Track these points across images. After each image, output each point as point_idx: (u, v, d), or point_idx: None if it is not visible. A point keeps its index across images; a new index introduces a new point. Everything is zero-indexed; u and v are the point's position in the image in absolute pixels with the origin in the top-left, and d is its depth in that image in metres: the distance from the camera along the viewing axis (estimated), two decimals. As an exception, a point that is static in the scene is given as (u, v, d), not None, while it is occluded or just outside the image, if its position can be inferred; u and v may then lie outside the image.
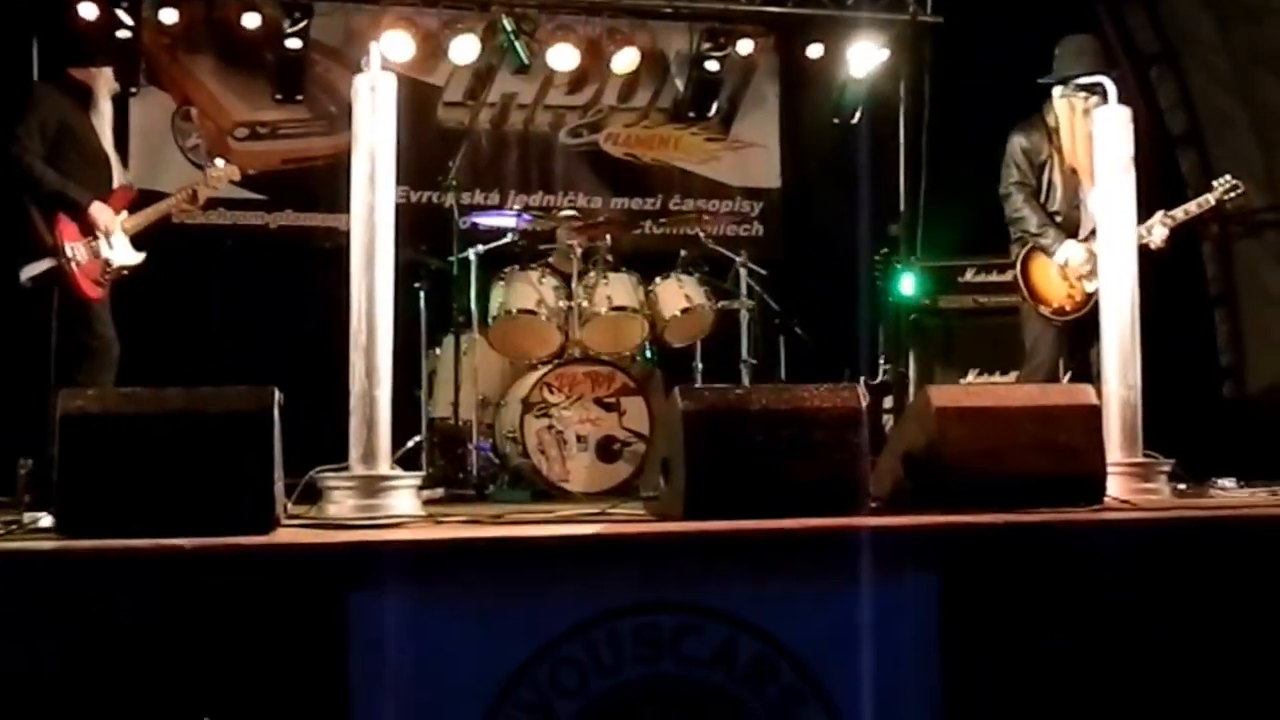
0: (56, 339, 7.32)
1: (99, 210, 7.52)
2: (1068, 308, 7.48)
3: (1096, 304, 6.71)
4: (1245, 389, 10.70)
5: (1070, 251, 7.45)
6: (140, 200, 7.96)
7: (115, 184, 7.80)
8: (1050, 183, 7.61)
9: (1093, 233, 7.22)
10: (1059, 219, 7.57)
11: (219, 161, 8.47)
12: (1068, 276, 7.47)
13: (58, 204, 7.43)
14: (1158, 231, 7.49)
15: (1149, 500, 5.59)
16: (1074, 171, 7.53)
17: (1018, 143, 7.66)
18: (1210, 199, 7.67)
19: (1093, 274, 7.18)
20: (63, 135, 7.53)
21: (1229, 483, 7.10)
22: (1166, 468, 5.90)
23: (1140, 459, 5.82)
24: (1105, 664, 4.54)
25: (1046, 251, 7.52)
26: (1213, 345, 10.79)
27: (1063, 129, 7.57)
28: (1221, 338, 10.83)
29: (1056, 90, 7.60)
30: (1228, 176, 7.75)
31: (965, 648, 4.42)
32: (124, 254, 7.64)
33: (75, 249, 7.40)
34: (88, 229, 7.48)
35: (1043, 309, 7.57)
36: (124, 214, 7.71)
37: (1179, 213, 7.58)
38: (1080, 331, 7.32)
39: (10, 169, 7.45)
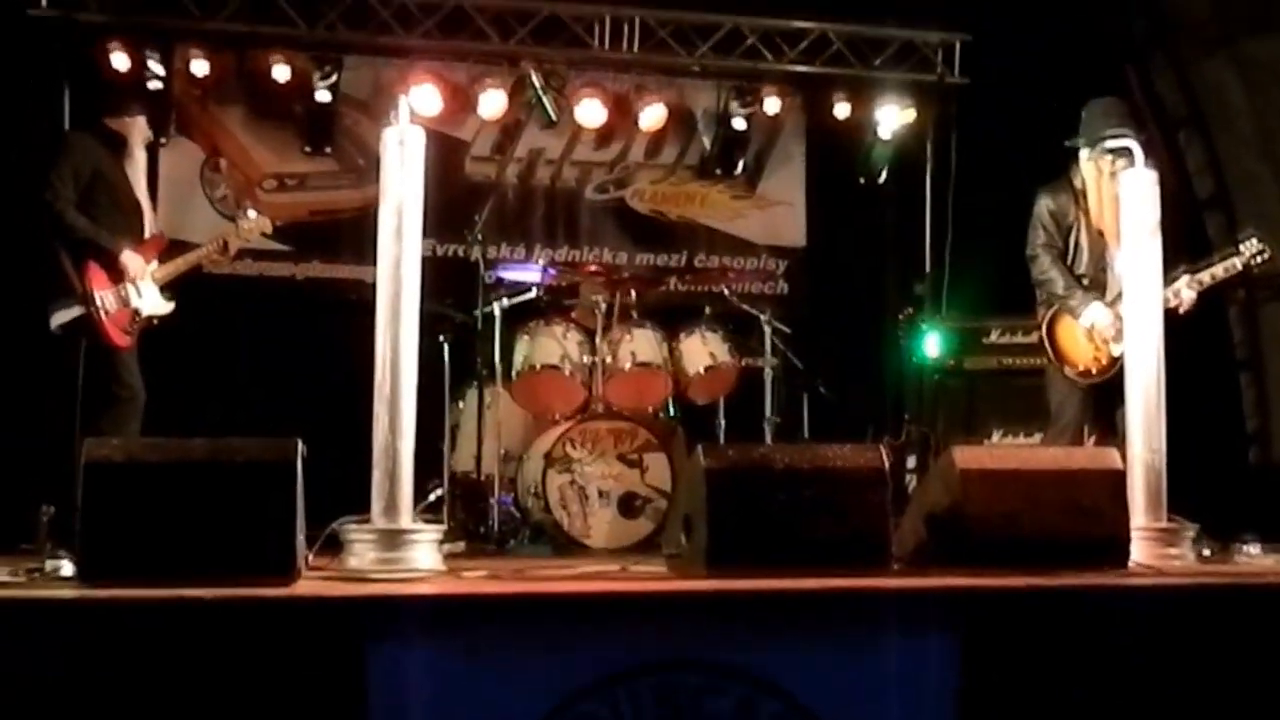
0: (83, 386, 7.33)
1: (129, 259, 7.55)
2: (1094, 370, 7.45)
3: (1122, 367, 6.71)
4: (1271, 454, 10.66)
5: (1096, 314, 7.42)
6: (170, 250, 7.99)
7: (147, 233, 7.84)
8: (1077, 245, 7.58)
9: (1119, 296, 7.21)
10: (1085, 281, 7.54)
11: (251, 213, 8.51)
12: (1094, 339, 7.44)
13: (89, 251, 7.46)
14: (1185, 295, 7.45)
15: (1173, 565, 5.56)
16: (1100, 234, 7.51)
17: (1045, 204, 7.64)
18: (1237, 263, 7.62)
19: (1119, 337, 7.16)
20: (96, 183, 7.57)
21: (1254, 548, 7.04)
22: (1191, 533, 5.86)
23: (1165, 523, 5.79)
24: (1127, 729, 4.51)
25: (1073, 313, 7.49)
26: (1238, 409, 10.75)
27: (1090, 191, 7.56)
28: (1247, 402, 10.80)
29: (1083, 152, 7.59)
30: (1254, 240, 7.71)
31: (985, 710, 4.39)
32: (153, 303, 7.67)
33: (105, 297, 7.42)
34: (118, 277, 7.51)
35: (1068, 371, 7.53)
36: (154, 263, 7.74)
37: (1205, 276, 7.54)
38: (1106, 394, 7.28)
39: (43, 215, 7.49)
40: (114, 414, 7.37)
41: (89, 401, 7.33)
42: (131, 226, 7.72)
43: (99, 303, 7.39)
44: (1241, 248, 7.67)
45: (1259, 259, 7.62)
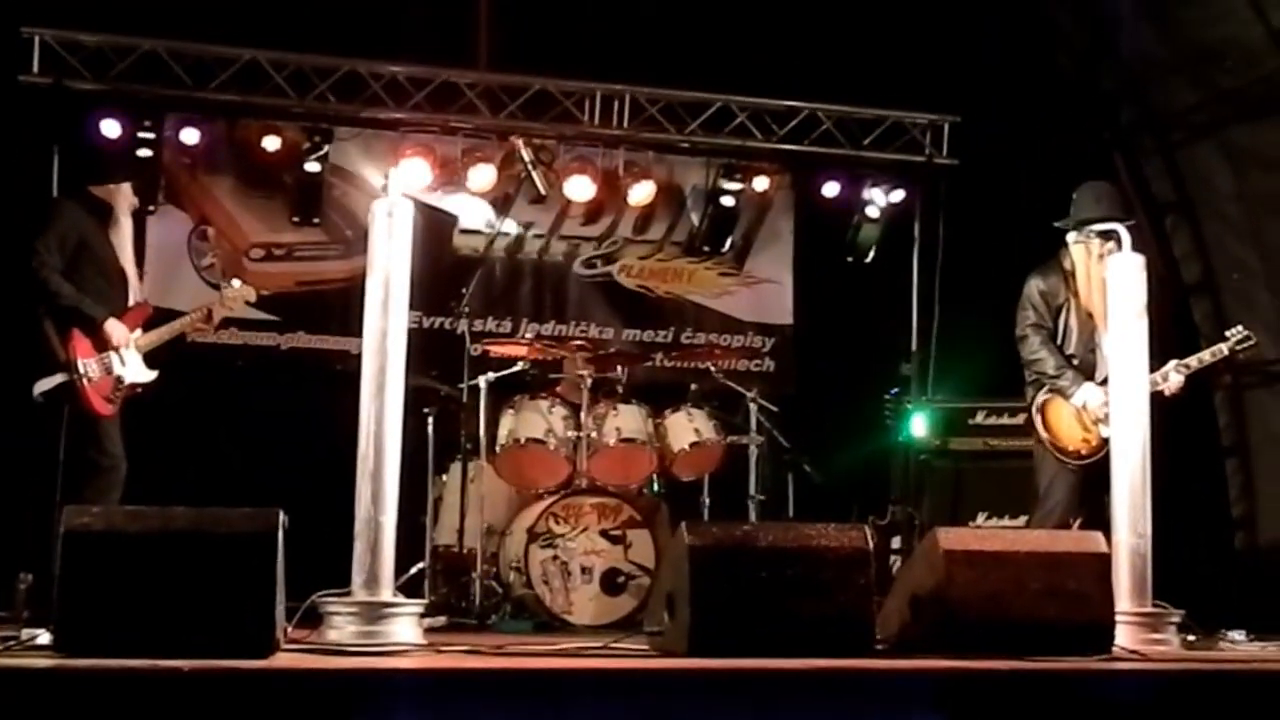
0: (65, 455, 7.30)
1: (113, 327, 7.52)
2: (1084, 452, 7.40)
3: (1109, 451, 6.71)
4: (1257, 540, 10.65)
5: (1088, 395, 7.39)
6: (155, 318, 7.97)
7: (132, 301, 7.82)
8: (1067, 326, 7.57)
9: (1108, 377, 7.22)
10: (1075, 362, 7.53)
11: (235, 282, 8.49)
12: (1083, 420, 7.41)
13: (72, 319, 7.43)
14: (1174, 379, 7.45)
15: (1158, 651, 5.55)
16: (1090, 316, 7.51)
17: (1035, 285, 7.63)
18: (1224, 349, 7.63)
19: (1109, 418, 7.16)
20: (81, 251, 7.56)
21: (1239, 635, 7.04)
22: (1176, 618, 5.86)
23: (1150, 609, 5.78)
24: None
25: (1064, 394, 7.45)
26: (1224, 495, 10.75)
27: (1079, 273, 7.55)
28: (1234, 488, 10.80)
29: (1071, 235, 7.61)
30: (1239, 327, 7.73)
31: (969, 794, 4.36)
32: (136, 371, 7.64)
33: (88, 365, 7.40)
34: (101, 345, 7.48)
35: (1057, 454, 7.50)
36: (138, 331, 7.72)
37: (1193, 361, 7.54)
38: (1093, 477, 7.24)
39: (28, 283, 7.47)
40: (95, 483, 7.33)
41: (70, 470, 7.29)
42: (116, 294, 7.70)
43: (82, 370, 7.36)
44: (1228, 334, 7.69)
45: (1244, 345, 7.64)
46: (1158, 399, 6.58)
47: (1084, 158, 9.50)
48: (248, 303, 8.57)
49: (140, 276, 8.23)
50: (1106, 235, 7.28)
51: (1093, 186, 7.71)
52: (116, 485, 7.43)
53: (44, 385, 7.39)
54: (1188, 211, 10.93)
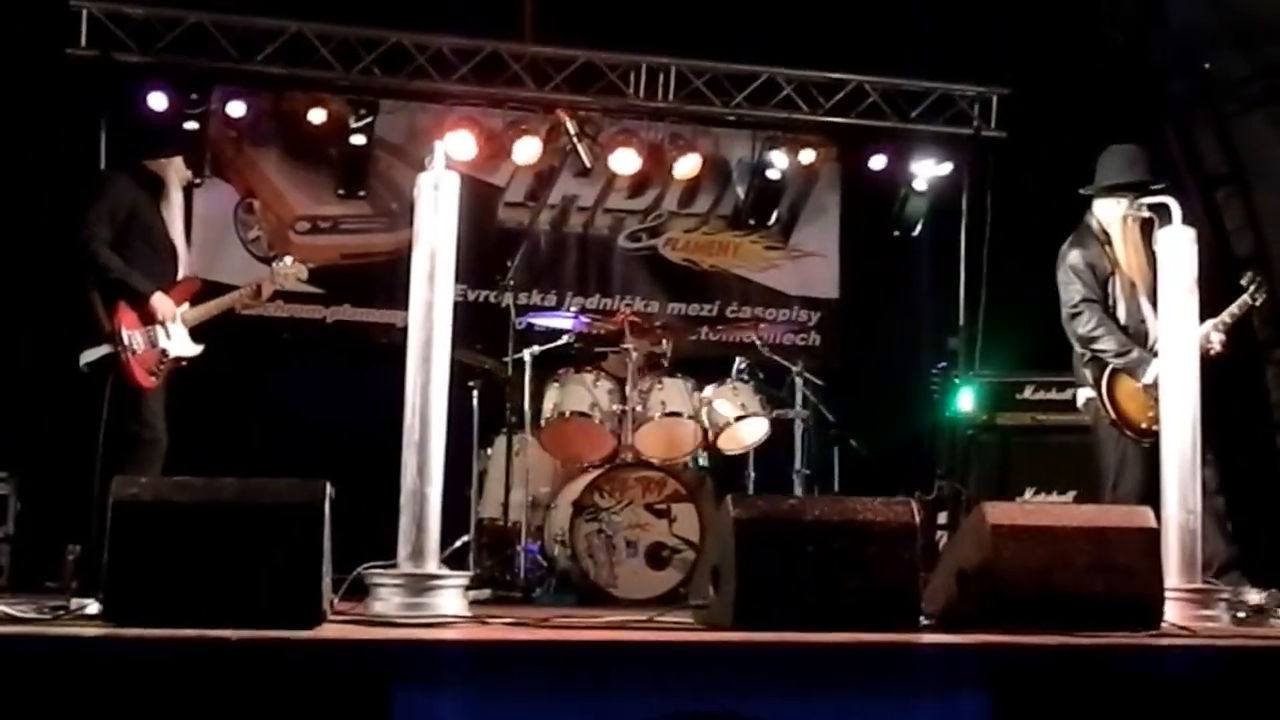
0: (106, 426, 7.33)
1: (160, 300, 7.55)
2: (1155, 428, 7.22)
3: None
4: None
5: (1159, 369, 7.24)
6: (203, 292, 7.99)
7: (181, 275, 7.84)
8: (1115, 297, 7.46)
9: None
10: (1130, 334, 7.42)
11: (288, 259, 8.49)
12: (1151, 396, 7.25)
13: (120, 292, 7.47)
14: (1215, 338, 7.35)
15: (1207, 627, 5.50)
16: (1133, 284, 7.42)
17: (1078, 256, 7.49)
18: (1246, 299, 7.52)
19: None
20: (131, 224, 7.59)
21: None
22: (1226, 594, 5.80)
23: (1199, 584, 5.73)
24: (1159, 793, 4.45)
25: (1134, 374, 7.32)
26: (1275, 469, 10.66)
27: (1115, 240, 7.45)
28: (1285, 462, 10.70)
29: (1105, 201, 7.51)
30: (1249, 273, 7.62)
31: (1016, 770, 4.34)
32: (181, 345, 7.67)
33: (133, 337, 7.43)
34: (148, 318, 7.52)
35: (1130, 433, 7.38)
36: (186, 306, 7.74)
37: (1226, 317, 7.40)
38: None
39: (77, 254, 7.51)
40: (136, 455, 7.36)
41: (111, 441, 7.33)
42: (165, 268, 7.74)
43: (127, 342, 7.40)
44: (1243, 282, 7.58)
45: (1253, 285, 7.51)
46: (1206, 363, 6.44)
47: (1134, 130, 9.40)
48: (299, 280, 8.58)
49: (189, 250, 8.27)
50: (1138, 198, 7.21)
51: (1122, 150, 7.60)
52: (157, 458, 7.47)
53: (89, 356, 7.44)
54: (1240, 183, 10.82)
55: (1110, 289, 7.46)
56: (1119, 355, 7.36)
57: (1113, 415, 7.37)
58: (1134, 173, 7.46)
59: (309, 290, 10.36)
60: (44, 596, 5.70)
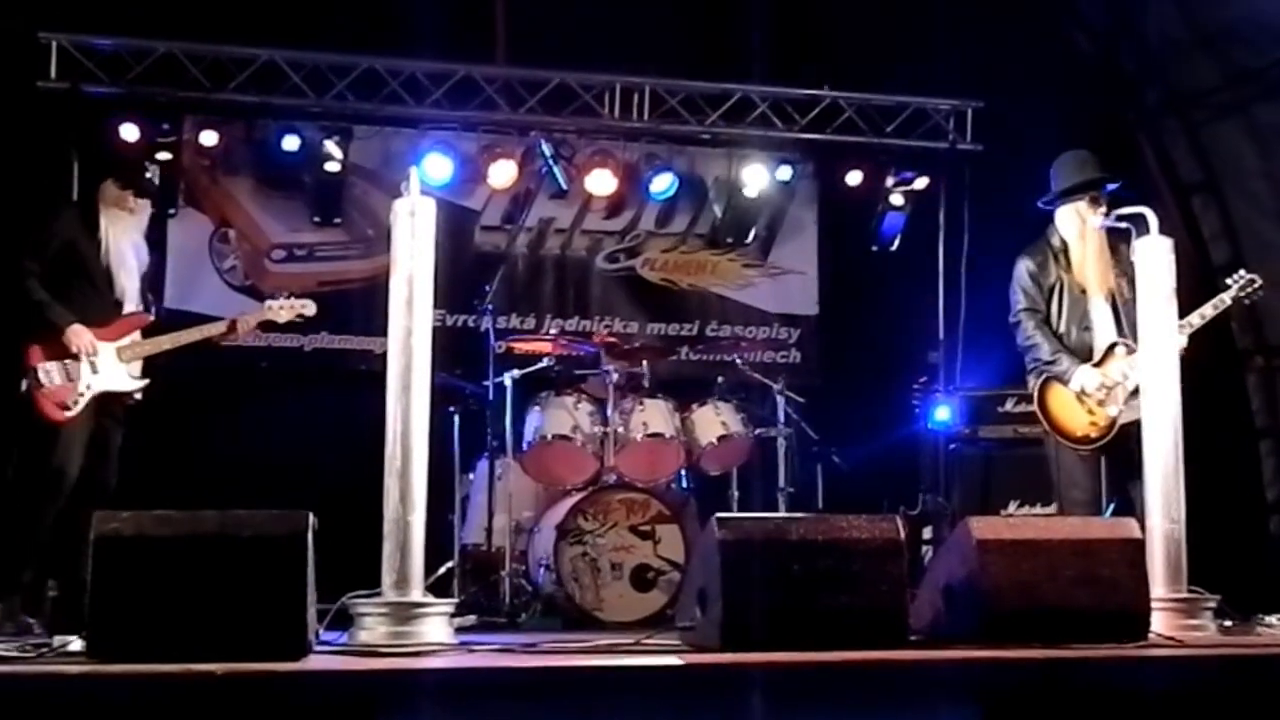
0: (16, 461, 7.19)
1: (76, 333, 7.26)
2: (1093, 435, 7.21)
3: (1126, 432, 6.65)
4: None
5: (1084, 377, 7.21)
6: (165, 325, 7.75)
7: (129, 309, 7.59)
8: (1060, 305, 7.41)
9: (1106, 354, 7.16)
10: (1070, 342, 7.38)
11: (292, 300, 8.10)
12: (1085, 403, 7.26)
13: (39, 324, 7.31)
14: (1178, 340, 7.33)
15: (1194, 637, 5.51)
16: (1083, 291, 7.38)
17: (1024, 266, 7.49)
18: (1226, 298, 7.47)
19: (1110, 399, 7.09)
20: (69, 256, 7.39)
21: (1275, 619, 6.96)
22: (1212, 604, 5.81)
23: (1185, 594, 5.74)
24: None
25: (1060, 380, 7.31)
26: (1258, 479, 10.67)
27: (1071, 245, 7.41)
28: (1267, 471, 10.71)
29: (1061, 213, 7.50)
30: (1242, 272, 7.57)
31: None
32: (113, 379, 7.39)
33: (48, 371, 7.24)
34: (62, 351, 7.30)
35: (1066, 442, 7.34)
36: (129, 338, 7.45)
37: (1194, 318, 7.34)
38: (1117, 464, 7.14)
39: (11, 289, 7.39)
40: (38, 494, 7.16)
41: (21, 476, 7.18)
42: (102, 302, 7.49)
43: (40, 375, 7.22)
44: (1229, 280, 7.53)
45: (1249, 289, 7.48)
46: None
47: (1108, 140, 9.42)
48: (304, 314, 8.24)
49: (160, 283, 8.10)
50: (1095, 200, 7.24)
51: (1073, 155, 7.59)
52: (59, 495, 7.22)
53: (21, 388, 7.33)
54: (1215, 192, 10.84)
55: (1054, 298, 7.43)
56: (1048, 363, 7.35)
57: (1045, 425, 7.37)
58: (1085, 172, 7.46)
59: (287, 318, 10.32)
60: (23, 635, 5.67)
